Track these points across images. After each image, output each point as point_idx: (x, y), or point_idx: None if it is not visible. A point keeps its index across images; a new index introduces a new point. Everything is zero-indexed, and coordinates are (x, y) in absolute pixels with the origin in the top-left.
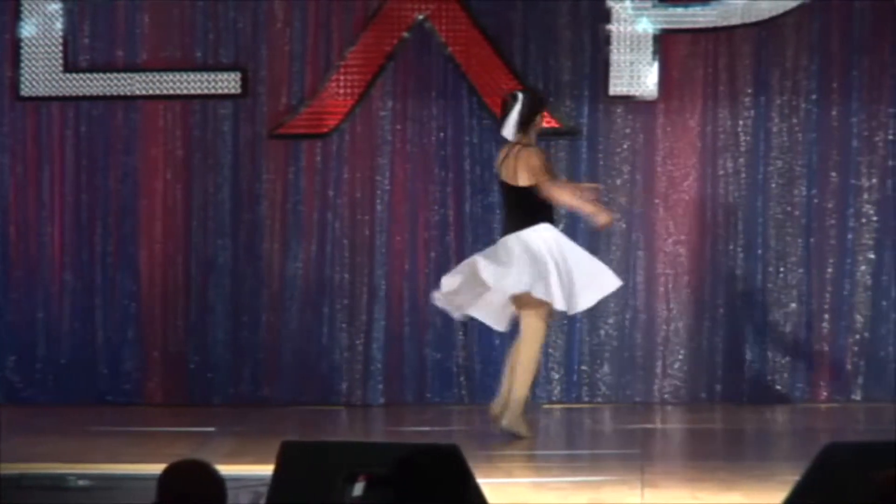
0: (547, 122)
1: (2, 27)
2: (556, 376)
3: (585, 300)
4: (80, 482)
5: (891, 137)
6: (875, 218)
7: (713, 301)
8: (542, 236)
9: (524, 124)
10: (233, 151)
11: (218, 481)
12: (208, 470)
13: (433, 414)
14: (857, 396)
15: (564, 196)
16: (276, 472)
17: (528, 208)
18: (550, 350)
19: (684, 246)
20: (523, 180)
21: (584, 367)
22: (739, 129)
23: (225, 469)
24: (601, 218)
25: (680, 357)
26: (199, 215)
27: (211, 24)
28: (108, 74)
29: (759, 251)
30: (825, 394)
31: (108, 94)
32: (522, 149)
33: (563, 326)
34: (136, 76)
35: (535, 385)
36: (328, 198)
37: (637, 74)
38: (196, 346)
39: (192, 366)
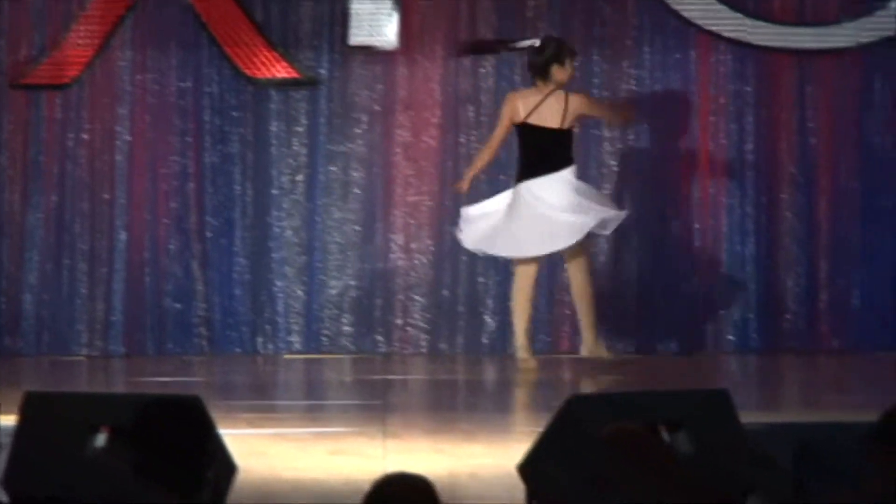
0: (287, 72)
1: None
2: (297, 327)
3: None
4: None
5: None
6: (615, 167)
7: (454, 251)
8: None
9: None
10: None
11: None
12: None
13: (174, 365)
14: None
15: None
16: (20, 423)
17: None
18: (290, 301)
19: (426, 196)
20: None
21: (325, 318)
22: (479, 80)
23: None
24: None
25: (421, 308)
26: None
27: None
28: None
29: None
30: (567, 344)
31: None
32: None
33: (303, 277)
34: None
35: None
36: (68, 148)
37: (377, 24)
38: None
39: None
